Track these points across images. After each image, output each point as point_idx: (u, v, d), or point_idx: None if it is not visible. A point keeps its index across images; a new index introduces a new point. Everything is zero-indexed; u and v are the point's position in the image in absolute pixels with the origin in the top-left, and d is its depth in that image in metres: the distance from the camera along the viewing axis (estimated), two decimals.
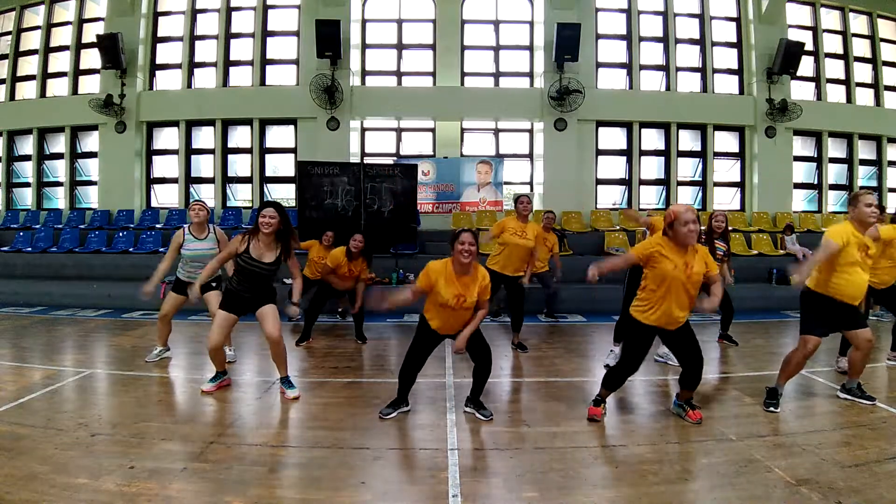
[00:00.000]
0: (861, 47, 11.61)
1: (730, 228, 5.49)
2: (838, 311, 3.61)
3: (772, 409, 3.67)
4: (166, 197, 11.19)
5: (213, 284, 4.83)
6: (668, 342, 3.46)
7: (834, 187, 11.53)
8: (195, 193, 11.20)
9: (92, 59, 10.94)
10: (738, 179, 11.29)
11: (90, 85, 11.07)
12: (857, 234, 3.57)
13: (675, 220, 3.17)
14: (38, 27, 11.38)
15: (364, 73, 11.04)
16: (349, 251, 5.63)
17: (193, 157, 11.18)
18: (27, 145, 11.40)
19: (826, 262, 3.57)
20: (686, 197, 11.26)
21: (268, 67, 11.01)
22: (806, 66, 11.02)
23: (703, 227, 4.09)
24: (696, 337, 3.40)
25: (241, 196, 11.28)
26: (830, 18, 11.63)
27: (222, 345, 4.08)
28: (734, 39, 11.25)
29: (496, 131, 11.19)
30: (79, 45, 11.14)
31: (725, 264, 5.37)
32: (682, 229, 3.14)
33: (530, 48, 11.07)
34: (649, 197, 11.21)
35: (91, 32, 10.93)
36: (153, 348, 5.11)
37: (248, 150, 10.99)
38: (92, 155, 11.13)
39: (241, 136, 11.16)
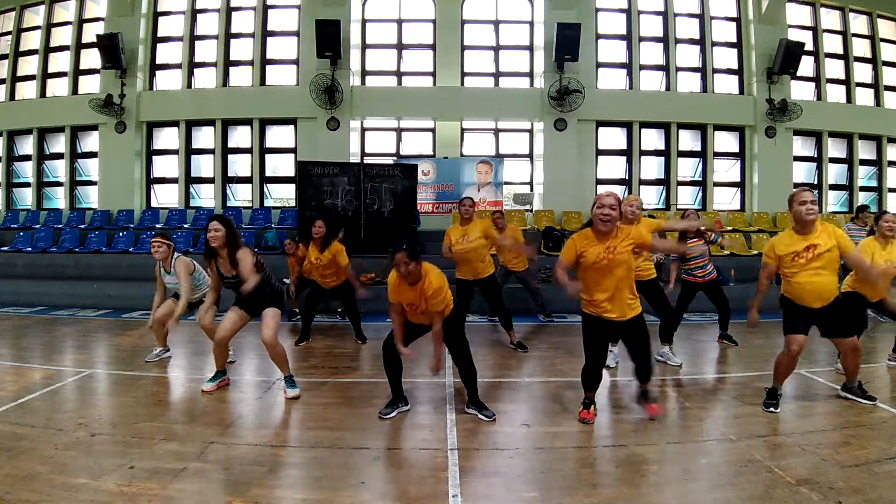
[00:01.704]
0: (861, 47, 11.61)
1: (728, 228, 5.52)
2: (807, 314, 3.60)
3: (771, 409, 3.66)
4: (166, 197, 11.19)
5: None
6: (621, 336, 3.48)
7: (834, 187, 11.53)
8: (195, 193, 11.21)
9: (92, 59, 10.93)
10: (738, 179, 11.29)
11: (90, 85, 11.06)
12: (794, 239, 3.54)
13: (593, 204, 3.31)
14: (38, 27, 11.38)
15: (364, 73, 11.04)
16: (312, 239, 5.61)
17: (193, 157, 11.17)
18: (27, 145, 11.39)
19: (782, 273, 3.64)
20: (686, 197, 11.27)
21: (268, 67, 11.01)
22: (806, 66, 11.02)
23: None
24: (645, 331, 3.41)
25: (241, 196, 11.28)
26: (830, 18, 11.63)
27: (229, 339, 4.08)
28: (734, 39, 11.25)
29: (496, 131, 11.18)
30: (79, 45, 11.13)
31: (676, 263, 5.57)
32: (597, 211, 3.25)
33: (530, 48, 11.06)
34: (649, 197, 11.21)
35: (91, 32, 10.93)
36: (153, 348, 5.12)
37: (248, 150, 10.99)
38: (92, 155, 11.13)
39: (241, 136, 11.16)
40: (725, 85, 11.25)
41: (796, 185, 11.20)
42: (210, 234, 3.82)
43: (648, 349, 3.44)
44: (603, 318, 3.34)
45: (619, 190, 11.22)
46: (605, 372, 4.79)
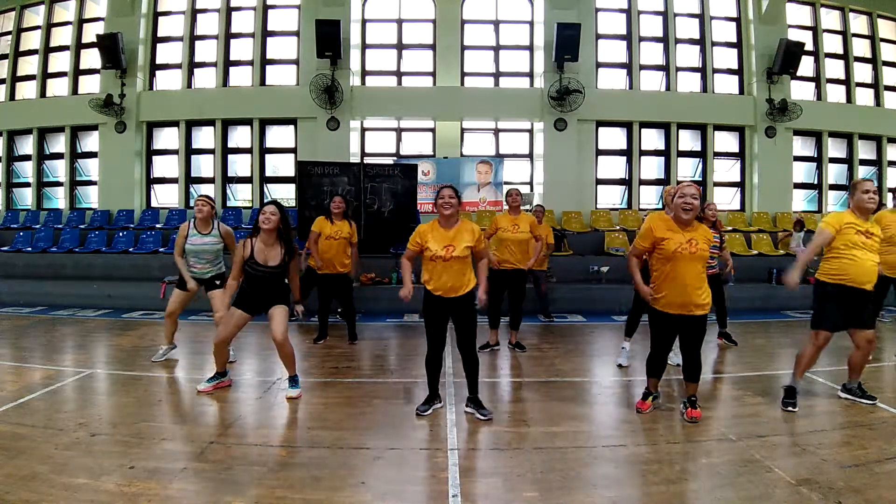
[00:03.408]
0: (861, 47, 11.60)
1: (728, 228, 5.47)
2: (848, 300, 3.60)
3: (790, 408, 3.67)
4: (166, 197, 11.19)
5: (217, 283, 4.82)
6: (681, 330, 3.47)
7: (834, 187, 11.52)
8: (195, 193, 11.19)
9: (92, 59, 10.92)
10: (738, 179, 11.29)
11: (90, 85, 11.05)
12: (857, 220, 3.63)
13: (675, 193, 3.33)
14: (38, 27, 11.36)
15: (364, 73, 11.04)
16: (329, 215, 5.75)
17: (193, 157, 11.17)
18: (27, 145, 11.38)
19: (829, 251, 3.67)
20: None
21: (268, 67, 11.00)
22: (806, 66, 11.01)
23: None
24: (704, 330, 3.45)
25: (241, 196, 11.28)
26: (830, 18, 11.63)
27: (229, 340, 4.04)
28: (734, 39, 11.24)
29: (496, 131, 11.18)
30: (79, 45, 11.12)
31: (724, 252, 5.40)
32: (678, 201, 3.28)
33: (530, 48, 11.06)
34: (649, 197, 11.21)
35: (91, 32, 10.91)
36: (158, 348, 5.10)
37: (248, 150, 10.99)
38: (92, 155, 11.12)
39: (241, 136, 11.16)
40: (725, 85, 11.24)
41: (796, 186, 11.22)
42: (264, 216, 3.78)
43: (700, 348, 3.46)
44: (669, 312, 3.38)
45: (619, 190, 11.24)
46: (610, 372, 4.81)
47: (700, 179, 11.19)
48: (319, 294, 5.93)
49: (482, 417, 3.54)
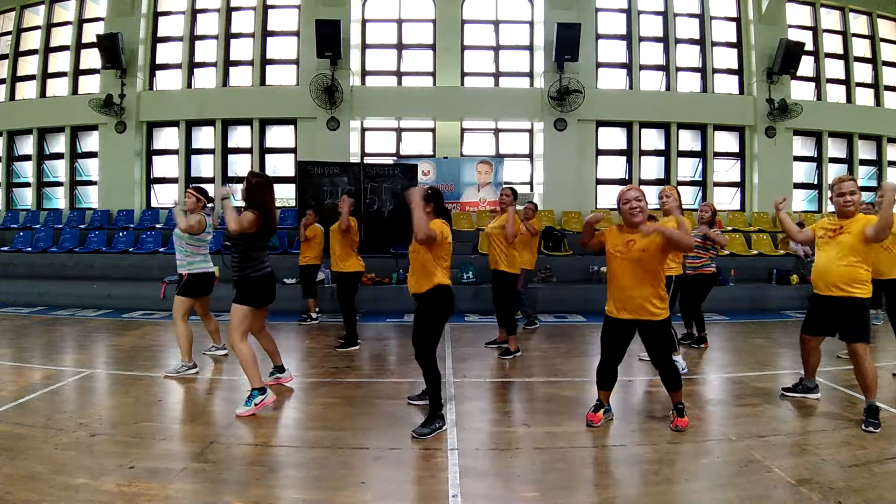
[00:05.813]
0: (861, 47, 11.60)
1: (728, 227, 5.38)
2: (817, 305, 3.59)
3: (782, 390, 3.91)
4: (166, 197, 11.19)
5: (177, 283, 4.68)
6: (643, 340, 3.38)
7: None
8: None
9: (92, 59, 10.93)
10: (738, 179, 11.29)
11: (90, 85, 11.06)
12: (831, 220, 3.61)
13: (619, 200, 3.37)
14: (38, 27, 11.37)
15: (364, 73, 11.05)
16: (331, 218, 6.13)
17: (193, 157, 11.17)
18: (27, 145, 11.38)
19: None
20: (686, 197, 11.24)
21: (268, 67, 11.01)
22: (806, 66, 11.01)
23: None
24: (663, 339, 3.31)
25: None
26: (830, 18, 11.63)
27: (260, 332, 4.06)
28: (734, 39, 11.25)
29: (496, 131, 11.19)
30: (79, 45, 11.13)
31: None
32: (623, 208, 3.32)
33: (530, 48, 11.07)
34: (649, 197, 11.16)
35: (91, 32, 10.93)
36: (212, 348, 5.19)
37: (248, 150, 10.99)
38: (92, 155, 11.12)
39: (241, 136, 11.16)
40: (725, 85, 11.24)
41: (796, 186, 11.21)
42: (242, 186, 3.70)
43: (663, 356, 3.32)
44: (612, 316, 3.36)
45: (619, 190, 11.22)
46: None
47: (700, 179, 11.22)
48: (344, 295, 5.68)
49: (420, 401, 3.64)
